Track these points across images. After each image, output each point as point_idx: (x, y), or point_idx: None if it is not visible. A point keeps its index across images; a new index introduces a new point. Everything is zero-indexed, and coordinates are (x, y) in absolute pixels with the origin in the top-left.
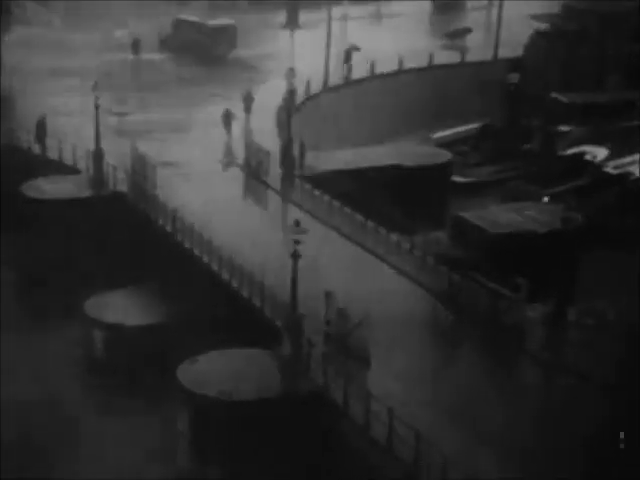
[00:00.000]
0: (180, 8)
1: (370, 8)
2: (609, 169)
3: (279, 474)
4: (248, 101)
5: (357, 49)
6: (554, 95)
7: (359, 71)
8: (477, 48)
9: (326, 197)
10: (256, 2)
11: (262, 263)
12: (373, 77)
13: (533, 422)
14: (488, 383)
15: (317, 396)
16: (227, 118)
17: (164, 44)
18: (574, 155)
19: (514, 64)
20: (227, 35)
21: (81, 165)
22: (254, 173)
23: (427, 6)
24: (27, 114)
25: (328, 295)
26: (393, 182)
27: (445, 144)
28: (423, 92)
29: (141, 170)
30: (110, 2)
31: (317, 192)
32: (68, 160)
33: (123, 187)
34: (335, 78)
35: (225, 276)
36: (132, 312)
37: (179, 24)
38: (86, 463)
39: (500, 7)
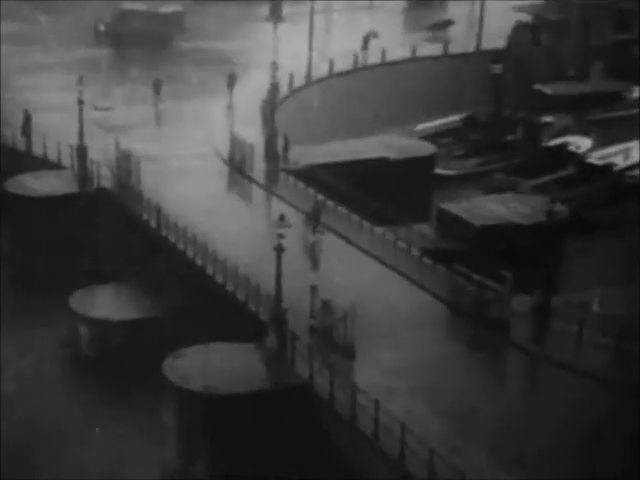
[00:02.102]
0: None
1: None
2: (593, 160)
3: (266, 467)
4: (231, 80)
5: (376, 35)
6: (537, 86)
7: (343, 64)
8: (460, 40)
9: (311, 190)
10: None
11: (246, 257)
12: (356, 70)
13: (520, 414)
14: (474, 375)
15: (302, 389)
16: (157, 85)
17: (106, 35)
18: (558, 146)
19: (497, 55)
20: (178, 22)
21: (65, 161)
22: (238, 167)
23: None
24: (10, 110)
25: (313, 288)
26: (377, 175)
27: (428, 136)
28: (406, 84)
29: (125, 165)
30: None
31: (301, 186)
32: (52, 156)
33: (107, 183)
34: (319, 70)
35: (210, 270)
36: (117, 307)
37: (124, 14)
38: (73, 459)
39: None
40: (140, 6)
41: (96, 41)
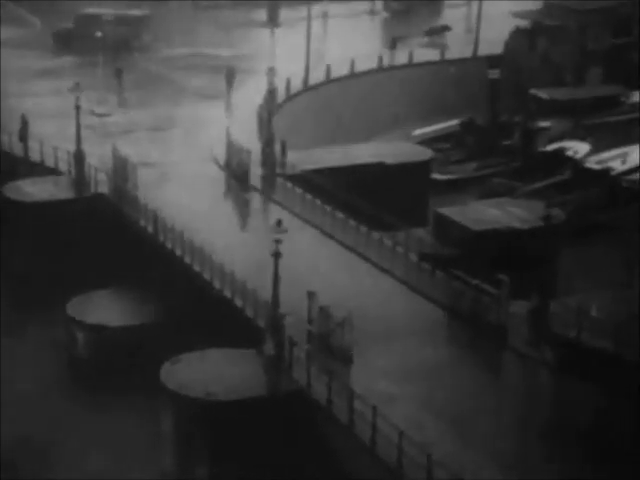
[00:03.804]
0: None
1: (354, 6)
2: (591, 164)
3: (264, 473)
4: (230, 77)
5: (404, 37)
6: (534, 91)
7: (339, 70)
8: (457, 45)
9: (308, 196)
10: (238, 0)
11: (244, 263)
12: (352, 75)
13: (517, 418)
14: (472, 380)
15: (300, 395)
16: (119, 73)
17: (65, 40)
18: (555, 151)
19: (494, 61)
20: (147, 25)
21: (62, 167)
22: (235, 172)
23: (396, 5)
24: (7, 115)
25: (310, 294)
26: (375, 180)
27: (425, 141)
28: (403, 89)
29: (122, 171)
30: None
31: (299, 191)
32: (49, 162)
33: (104, 188)
34: (317, 76)
35: (207, 276)
36: (114, 313)
37: (88, 18)
38: (69, 464)
39: (480, 4)
40: (103, 10)
41: (55, 47)
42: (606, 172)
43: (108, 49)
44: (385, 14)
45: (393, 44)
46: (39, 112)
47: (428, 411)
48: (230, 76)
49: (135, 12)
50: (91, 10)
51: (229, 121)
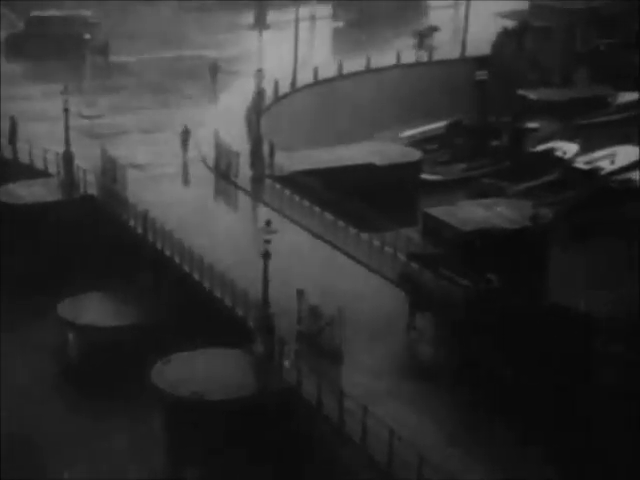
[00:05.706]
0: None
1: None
2: (579, 164)
3: (254, 473)
4: (213, 72)
5: (425, 35)
6: (522, 92)
7: (327, 72)
8: (444, 46)
9: (296, 197)
10: (225, 2)
11: (233, 263)
12: (341, 77)
13: (509, 419)
14: (461, 380)
15: (290, 394)
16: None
17: (16, 45)
18: (544, 151)
19: (482, 62)
20: (97, 26)
21: (52, 169)
22: (224, 174)
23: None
24: None
25: (299, 293)
26: (364, 181)
27: (414, 142)
28: (391, 91)
29: (111, 172)
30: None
31: (287, 192)
32: (39, 164)
33: (93, 190)
34: (304, 77)
35: (197, 276)
36: (105, 314)
37: (37, 20)
38: (61, 465)
39: (467, 5)
40: (50, 12)
41: (5, 52)
42: (595, 172)
43: (60, 51)
44: (338, 23)
45: (420, 42)
46: (29, 114)
47: (417, 410)
48: (213, 71)
49: (85, 13)
50: (38, 13)
51: (217, 121)
